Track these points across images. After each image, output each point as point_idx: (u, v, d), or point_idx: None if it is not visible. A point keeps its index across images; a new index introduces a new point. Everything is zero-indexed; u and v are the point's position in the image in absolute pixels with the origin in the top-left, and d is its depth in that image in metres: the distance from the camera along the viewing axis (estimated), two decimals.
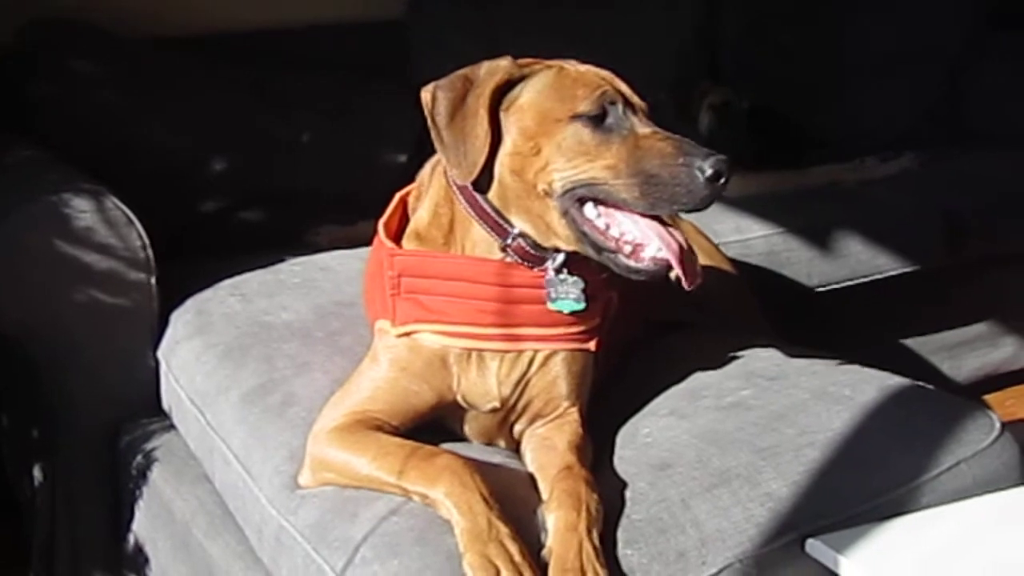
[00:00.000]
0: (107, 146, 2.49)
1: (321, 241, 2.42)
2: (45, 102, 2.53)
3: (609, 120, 1.52)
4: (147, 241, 2.05)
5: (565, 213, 1.52)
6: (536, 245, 1.56)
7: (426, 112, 1.55)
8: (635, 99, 1.57)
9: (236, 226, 2.62)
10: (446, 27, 3.01)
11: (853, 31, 3.48)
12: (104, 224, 2.02)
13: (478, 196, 1.56)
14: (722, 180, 1.46)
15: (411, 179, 1.74)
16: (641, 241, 1.52)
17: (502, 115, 1.55)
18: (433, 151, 1.67)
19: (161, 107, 2.61)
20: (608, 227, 1.52)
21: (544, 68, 1.57)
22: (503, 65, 1.55)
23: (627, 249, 1.52)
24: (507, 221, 1.56)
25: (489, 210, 1.56)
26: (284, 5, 2.97)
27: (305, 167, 2.73)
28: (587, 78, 1.56)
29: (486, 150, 1.52)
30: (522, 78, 1.56)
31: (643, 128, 1.53)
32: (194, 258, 2.22)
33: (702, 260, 2.02)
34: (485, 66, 1.56)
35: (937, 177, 3.01)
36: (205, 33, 2.84)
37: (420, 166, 1.73)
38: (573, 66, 1.59)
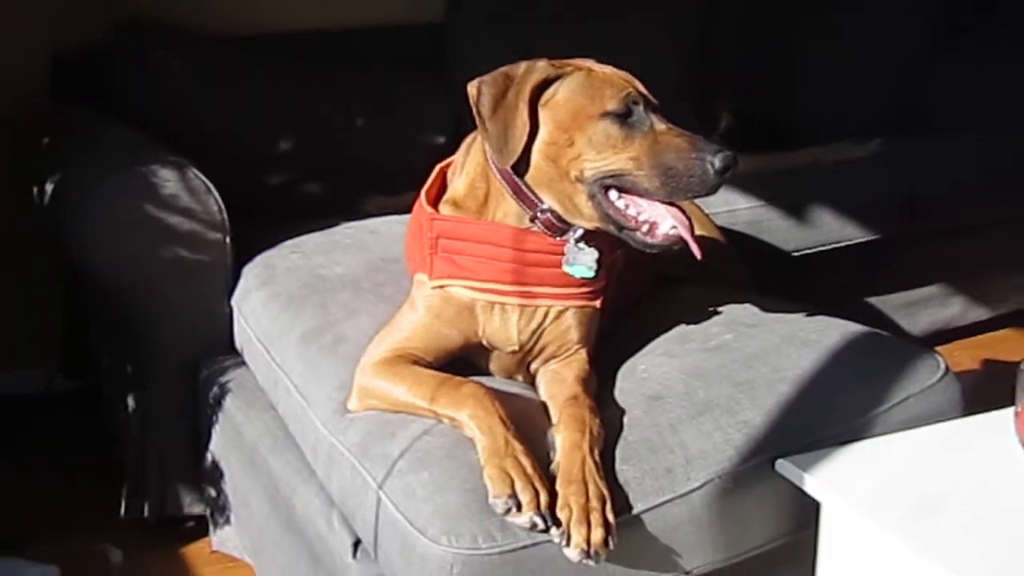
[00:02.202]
0: (189, 128, 2.47)
1: (370, 208, 2.40)
2: (136, 90, 2.52)
3: (633, 118, 1.52)
4: (223, 206, 2.06)
5: (592, 197, 1.52)
6: (561, 219, 1.56)
7: (472, 104, 1.54)
8: (651, 98, 1.57)
9: (298, 195, 2.62)
10: (480, 29, 2.99)
11: (831, 33, 3.44)
12: (187, 192, 2.02)
13: (514, 175, 1.55)
14: (728, 172, 1.48)
15: (447, 156, 1.73)
16: (656, 220, 1.52)
17: (540, 109, 1.54)
18: (467, 132, 1.68)
19: (234, 96, 2.61)
20: (627, 207, 1.53)
21: (575, 69, 1.56)
22: (541, 65, 1.54)
23: (644, 228, 1.53)
24: (538, 197, 1.56)
25: (523, 187, 1.56)
26: (340, 8, 2.95)
27: (357, 147, 2.73)
28: (613, 80, 1.56)
29: (524, 139, 1.51)
30: (557, 77, 1.55)
31: (661, 125, 1.53)
32: (262, 222, 2.22)
33: (695, 228, 2.02)
34: (524, 65, 1.55)
35: (901, 159, 2.98)
36: (272, 33, 2.83)
37: (455, 145, 1.73)
38: (599, 67, 1.59)
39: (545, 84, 1.54)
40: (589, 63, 1.60)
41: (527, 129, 1.51)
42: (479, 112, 1.53)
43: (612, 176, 1.51)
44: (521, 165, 1.54)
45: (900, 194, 2.82)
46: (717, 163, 1.47)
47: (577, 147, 1.51)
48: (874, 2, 3.49)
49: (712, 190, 1.50)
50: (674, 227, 1.52)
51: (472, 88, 1.55)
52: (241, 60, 2.68)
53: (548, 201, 1.55)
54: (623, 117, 1.52)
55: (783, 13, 3.41)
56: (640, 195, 1.52)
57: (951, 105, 3.43)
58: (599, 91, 1.53)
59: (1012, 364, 2.83)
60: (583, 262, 1.58)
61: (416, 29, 2.99)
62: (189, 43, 2.63)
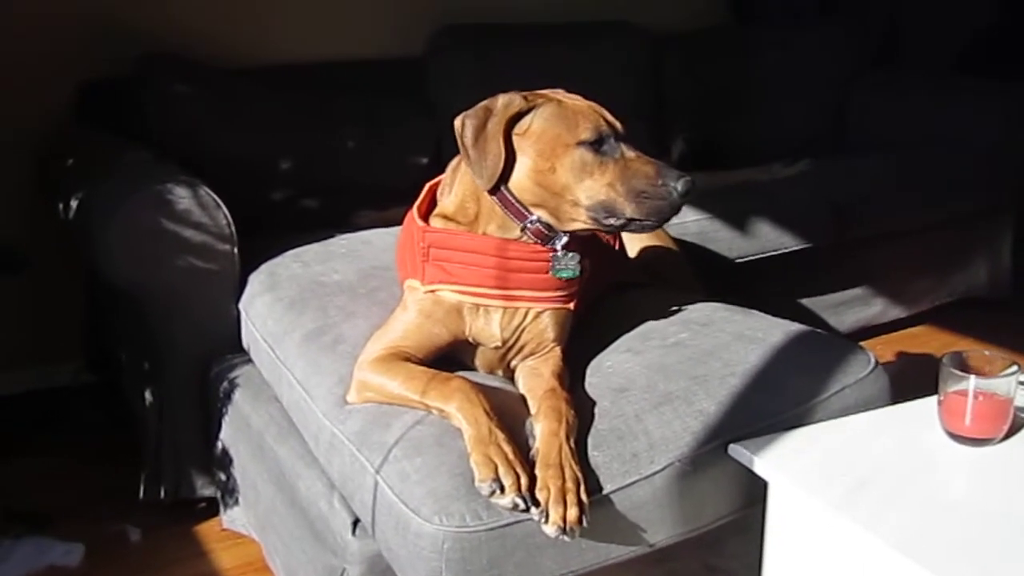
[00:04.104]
0: (201, 150, 2.45)
1: (362, 222, 2.38)
2: (154, 117, 2.49)
3: (605, 146, 1.50)
4: (231, 220, 2.02)
5: (593, 218, 1.51)
6: (550, 228, 1.54)
7: (457, 136, 1.51)
8: (617, 125, 1.54)
9: (298, 210, 2.59)
10: (456, 63, 2.98)
11: (764, 69, 3.46)
12: (198, 207, 1.99)
13: (506, 193, 1.53)
14: (689, 195, 1.48)
15: (429, 175, 1.71)
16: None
17: (515, 138, 1.51)
18: (448, 154, 1.65)
19: (241, 121, 2.58)
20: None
21: (547, 100, 1.53)
22: (514, 99, 1.51)
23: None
24: (528, 210, 1.53)
25: (513, 202, 1.53)
26: (333, 43, 2.94)
27: (350, 167, 2.70)
28: (584, 111, 1.53)
29: (500, 165, 1.49)
30: (530, 109, 1.52)
31: (630, 152, 1.52)
32: (266, 234, 2.18)
33: (651, 240, 2.02)
34: (501, 98, 1.52)
35: (826, 178, 2.99)
36: (273, 65, 2.81)
37: (437, 165, 1.70)
38: (569, 98, 1.55)
39: (519, 116, 1.51)
40: (560, 94, 1.57)
41: (502, 157, 1.48)
42: (463, 143, 1.50)
43: (602, 204, 1.49)
44: (511, 185, 1.51)
45: (827, 207, 2.82)
46: (680, 187, 1.47)
47: (559, 174, 1.49)
48: (800, 45, 3.54)
49: (677, 211, 1.50)
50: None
51: (458, 122, 1.52)
52: (247, 90, 2.65)
53: (539, 214, 1.53)
54: (596, 145, 1.50)
55: (724, 56, 3.45)
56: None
57: (867, 130, 3.48)
58: (572, 121, 1.50)
59: (927, 356, 2.90)
60: (569, 266, 1.57)
61: (401, 62, 2.98)
62: (201, 74, 2.61)
